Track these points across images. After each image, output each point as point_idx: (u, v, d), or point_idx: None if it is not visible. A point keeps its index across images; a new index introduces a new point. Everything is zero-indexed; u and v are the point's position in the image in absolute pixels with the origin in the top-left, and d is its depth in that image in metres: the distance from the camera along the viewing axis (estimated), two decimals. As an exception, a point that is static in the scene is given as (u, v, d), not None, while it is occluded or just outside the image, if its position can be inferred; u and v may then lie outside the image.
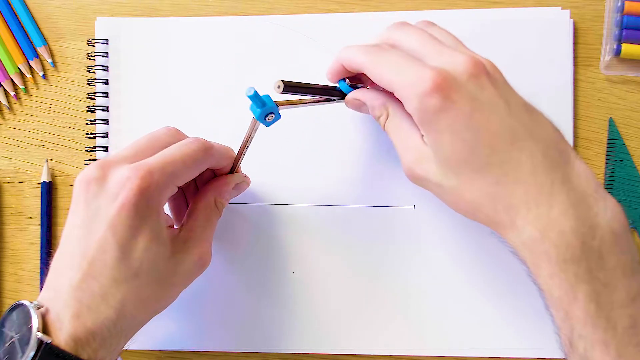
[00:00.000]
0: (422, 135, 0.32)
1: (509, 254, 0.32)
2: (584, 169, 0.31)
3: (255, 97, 0.32)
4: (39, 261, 0.44)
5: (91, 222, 0.32)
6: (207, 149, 0.35)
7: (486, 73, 0.31)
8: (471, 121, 0.30)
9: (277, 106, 0.34)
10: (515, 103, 0.32)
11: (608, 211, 0.29)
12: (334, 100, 0.38)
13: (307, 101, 0.37)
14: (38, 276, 0.44)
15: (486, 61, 0.32)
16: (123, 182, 0.31)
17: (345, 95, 0.37)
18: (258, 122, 0.34)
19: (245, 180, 0.40)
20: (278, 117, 0.34)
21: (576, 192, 0.30)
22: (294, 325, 0.42)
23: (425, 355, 0.42)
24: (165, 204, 0.34)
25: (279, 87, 0.34)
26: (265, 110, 0.33)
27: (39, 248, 0.44)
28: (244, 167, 0.41)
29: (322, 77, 0.43)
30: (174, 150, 0.34)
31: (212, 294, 0.43)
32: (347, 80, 0.37)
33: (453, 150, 0.31)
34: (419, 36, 0.33)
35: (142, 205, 0.31)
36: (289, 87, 0.34)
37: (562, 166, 0.30)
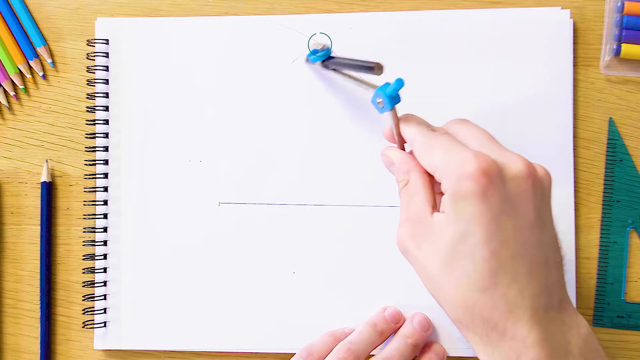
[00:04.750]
0: (433, 214, 0.31)
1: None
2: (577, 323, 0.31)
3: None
4: (39, 261, 0.44)
5: None
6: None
7: (533, 180, 0.30)
8: (492, 222, 0.29)
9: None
10: (547, 229, 0.31)
11: None
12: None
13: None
14: (38, 276, 0.44)
15: (540, 168, 0.31)
16: None
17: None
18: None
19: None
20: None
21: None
22: (293, 325, 0.42)
23: (425, 355, 0.42)
24: None
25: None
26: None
27: (38, 248, 0.44)
28: (246, 168, 0.40)
29: (321, 76, 0.43)
30: None
31: (212, 293, 0.43)
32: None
33: (461, 241, 0.29)
34: (480, 132, 0.33)
35: None
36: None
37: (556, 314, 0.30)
